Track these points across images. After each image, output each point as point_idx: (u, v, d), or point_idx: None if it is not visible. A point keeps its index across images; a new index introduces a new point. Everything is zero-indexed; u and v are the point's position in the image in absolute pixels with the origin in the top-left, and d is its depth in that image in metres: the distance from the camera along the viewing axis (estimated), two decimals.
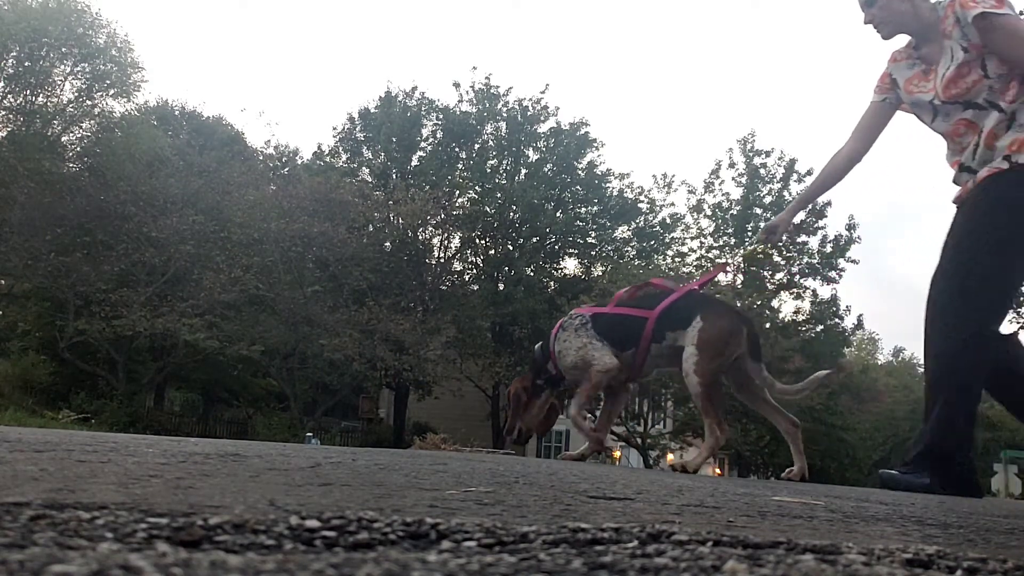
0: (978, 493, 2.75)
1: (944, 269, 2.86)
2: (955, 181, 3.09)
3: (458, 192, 26.47)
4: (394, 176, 26.64)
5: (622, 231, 27.87)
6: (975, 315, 2.77)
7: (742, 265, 28.50)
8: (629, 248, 27.77)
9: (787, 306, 27.70)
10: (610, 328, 3.26)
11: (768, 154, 27.57)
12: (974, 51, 2.83)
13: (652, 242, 27.73)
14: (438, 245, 26.37)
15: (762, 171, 27.55)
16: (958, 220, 2.98)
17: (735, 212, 26.87)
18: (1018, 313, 17.70)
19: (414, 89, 27.74)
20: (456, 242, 26.47)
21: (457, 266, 27.14)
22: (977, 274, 2.77)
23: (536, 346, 3.55)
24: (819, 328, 27.58)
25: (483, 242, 26.70)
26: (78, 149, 23.49)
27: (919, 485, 2.62)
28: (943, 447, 2.74)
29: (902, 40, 3.12)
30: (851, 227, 27.70)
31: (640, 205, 27.59)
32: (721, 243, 27.75)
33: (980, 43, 2.82)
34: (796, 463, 3.12)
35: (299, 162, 27.96)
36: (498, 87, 27.24)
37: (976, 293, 2.76)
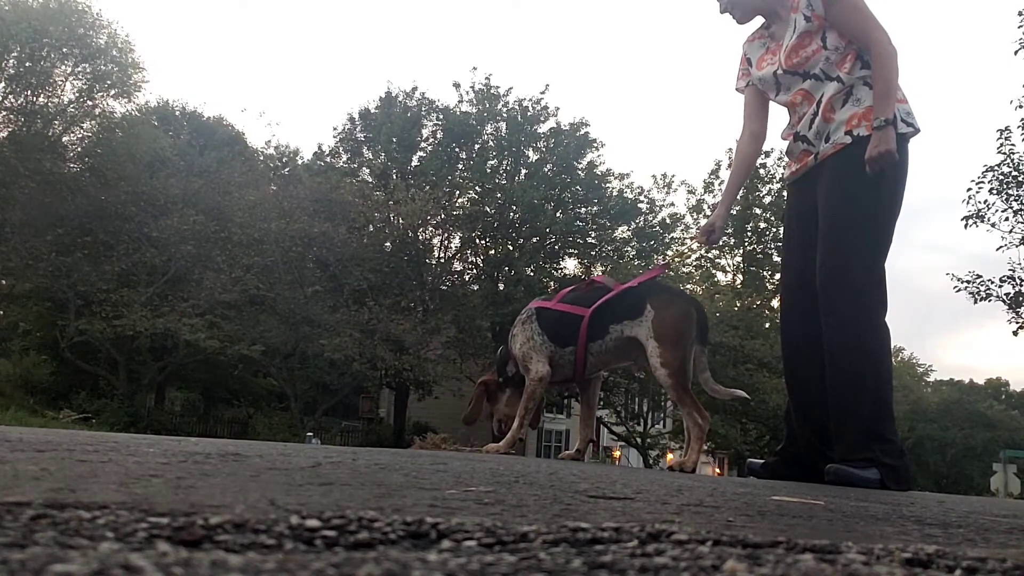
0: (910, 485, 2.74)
1: (831, 250, 2.80)
2: (789, 153, 3.12)
3: (458, 192, 26.46)
4: (394, 176, 26.64)
5: (622, 231, 27.88)
6: (880, 292, 2.78)
7: (741, 265, 28.50)
8: (629, 248, 27.77)
9: None
10: (552, 324, 3.23)
11: (768, 154, 27.59)
12: (816, 21, 2.89)
13: (652, 242, 27.74)
14: (438, 245, 26.39)
15: (761, 171, 27.57)
16: (808, 198, 3.00)
17: (735, 212, 26.87)
18: (1017, 313, 17.67)
19: (414, 89, 27.76)
20: (456, 242, 26.48)
21: (457, 266, 27.15)
22: (869, 247, 2.79)
23: (500, 347, 3.53)
24: None
25: (483, 242, 26.69)
26: (79, 149, 23.49)
27: (872, 481, 2.58)
28: (885, 432, 2.71)
29: (758, 23, 3.21)
30: None
31: (640, 205, 27.60)
32: (721, 243, 27.77)
33: (823, 14, 2.88)
34: (687, 455, 3.06)
35: (299, 162, 27.98)
36: (498, 87, 27.26)
37: (873, 267, 2.78)
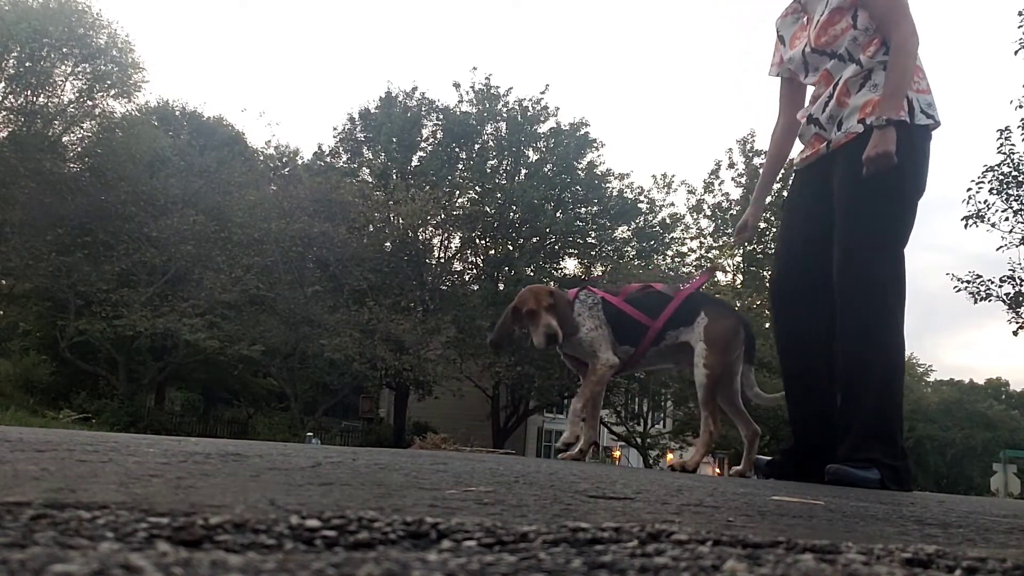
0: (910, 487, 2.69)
1: (850, 245, 2.73)
2: (800, 136, 3.06)
3: (458, 192, 26.45)
4: (394, 176, 26.63)
5: (622, 231, 27.87)
6: (898, 287, 2.71)
7: (741, 265, 28.50)
8: (629, 248, 27.77)
9: None
10: (616, 319, 3.25)
11: (767, 154, 27.60)
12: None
13: (652, 242, 27.74)
14: (438, 245, 26.38)
15: (762, 171, 27.58)
16: (816, 189, 2.93)
17: (735, 212, 26.89)
18: (1017, 313, 17.67)
19: (414, 89, 27.76)
20: (456, 242, 26.47)
21: (457, 266, 27.15)
22: (888, 241, 2.71)
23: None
24: None
25: (483, 242, 26.69)
26: (79, 149, 23.49)
27: (872, 481, 2.54)
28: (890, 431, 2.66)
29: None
30: None
31: (640, 205, 27.60)
32: (721, 243, 27.78)
33: None
34: (743, 464, 3.26)
35: (299, 162, 27.96)
36: (498, 87, 27.24)
37: (893, 261, 2.71)
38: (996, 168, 17.36)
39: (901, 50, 2.69)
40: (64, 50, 21.68)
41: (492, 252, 26.73)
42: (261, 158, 26.64)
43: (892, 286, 2.69)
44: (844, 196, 2.79)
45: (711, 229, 27.97)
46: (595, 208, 27.50)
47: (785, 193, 3.36)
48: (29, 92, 21.74)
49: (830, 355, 2.81)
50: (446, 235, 26.12)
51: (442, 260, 26.45)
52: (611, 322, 3.23)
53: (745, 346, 3.24)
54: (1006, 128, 17.24)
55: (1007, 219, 17.38)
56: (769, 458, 3.14)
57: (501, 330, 3.32)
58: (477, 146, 27.35)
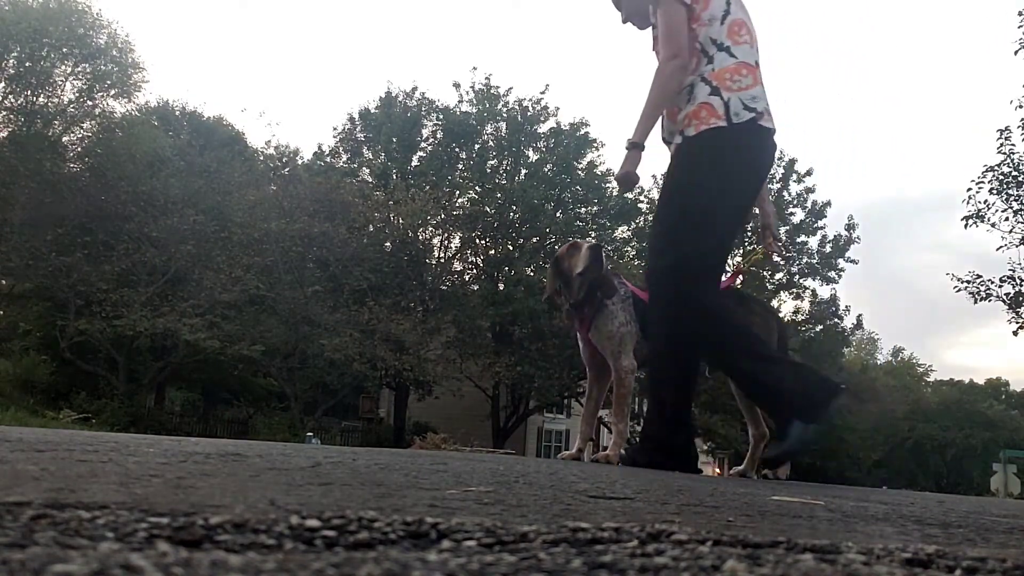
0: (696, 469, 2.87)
1: (648, 244, 3.05)
2: None
3: (458, 192, 26.45)
4: (394, 176, 26.63)
5: (622, 231, 27.87)
6: (673, 278, 2.85)
7: (741, 265, 28.47)
8: (629, 248, 27.76)
9: (787, 306, 27.74)
10: (644, 314, 3.18)
11: None
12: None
13: None
14: (438, 245, 26.37)
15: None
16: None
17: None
18: (1017, 313, 17.67)
19: (414, 89, 27.76)
20: (456, 242, 26.46)
21: (457, 266, 27.15)
22: (667, 234, 2.89)
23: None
24: (818, 328, 27.58)
25: (483, 242, 26.68)
26: (79, 149, 23.48)
27: (643, 460, 2.77)
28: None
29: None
30: (850, 227, 27.72)
31: (640, 205, 27.59)
32: None
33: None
34: (745, 464, 3.24)
35: (299, 162, 27.94)
36: (498, 87, 27.25)
37: (665, 253, 2.89)
38: (996, 168, 17.36)
39: (656, 75, 2.88)
40: (64, 50, 21.68)
41: (492, 252, 26.72)
42: (261, 158, 26.62)
43: (668, 297, 2.82)
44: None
45: None
46: (595, 208, 27.50)
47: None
48: (29, 92, 21.73)
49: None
50: (446, 235, 26.13)
51: (442, 260, 26.45)
52: (640, 317, 3.16)
53: (779, 340, 3.19)
54: (1006, 128, 17.24)
55: (1007, 219, 17.39)
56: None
57: (549, 284, 3.28)
58: (477, 146, 27.35)
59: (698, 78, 2.84)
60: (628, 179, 2.91)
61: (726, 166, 2.79)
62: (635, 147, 2.88)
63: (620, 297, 3.13)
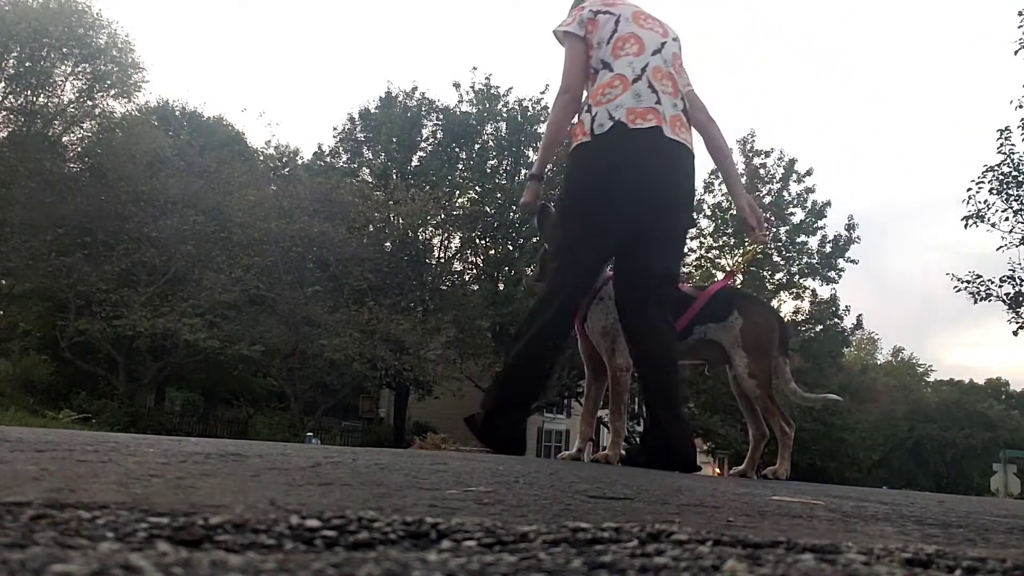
0: (521, 451, 2.95)
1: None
2: None
3: (458, 192, 26.44)
4: (394, 176, 26.62)
5: None
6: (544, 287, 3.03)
7: (741, 265, 28.48)
8: None
9: (786, 306, 27.74)
10: None
11: (768, 154, 27.57)
12: None
13: None
14: (438, 245, 26.36)
15: (762, 171, 27.55)
16: None
17: (735, 212, 26.87)
18: (1017, 313, 17.68)
19: (414, 89, 27.75)
20: (456, 242, 26.45)
21: (457, 266, 27.13)
22: (558, 264, 3.04)
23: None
24: (818, 328, 27.58)
25: (483, 242, 26.68)
26: (79, 149, 23.46)
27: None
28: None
29: None
30: (850, 227, 27.72)
31: None
32: (721, 243, 27.73)
33: None
34: (745, 465, 3.25)
35: (299, 162, 27.95)
36: (498, 87, 27.23)
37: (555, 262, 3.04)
38: (996, 168, 17.35)
39: (552, 107, 3.14)
40: (64, 50, 21.67)
41: (492, 252, 26.72)
42: (261, 158, 26.62)
43: (542, 305, 2.96)
44: None
45: (711, 229, 27.93)
46: None
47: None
48: (29, 92, 21.73)
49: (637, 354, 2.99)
50: (446, 235, 26.12)
51: (442, 260, 26.44)
52: None
53: (780, 338, 3.18)
54: (1006, 128, 17.24)
55: (1007, 219, 17.39)
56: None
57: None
58: (477, 146, 27.34)
59: (584, 102, 3.02)
60: (526, 208, 3.17)
61: (593, 180, 2.91)
62: (533, 178, 3.19)
63: (605, 299, 3.09)
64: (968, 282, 17.93)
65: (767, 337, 3.12)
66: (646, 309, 2.87)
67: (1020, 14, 16.24)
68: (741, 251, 26.93)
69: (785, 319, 3.34)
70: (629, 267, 2.95)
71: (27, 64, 21.29)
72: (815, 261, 27.50)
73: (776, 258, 27.44)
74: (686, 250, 28.94)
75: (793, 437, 3.14)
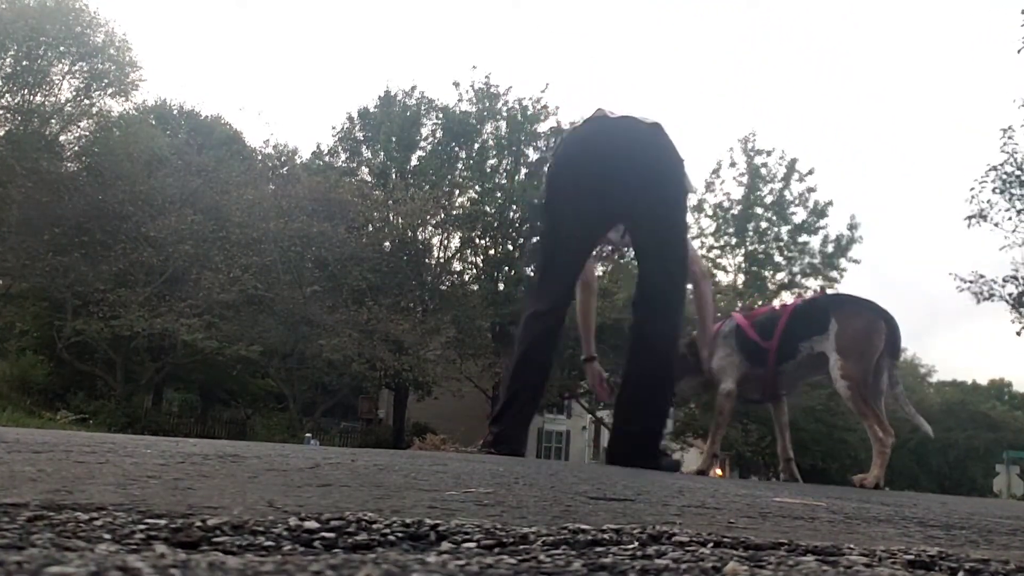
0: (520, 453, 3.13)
1: None
2: None
3: (458, 192, 26.44)
4: (393, 176, 26.61)
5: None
6: (529, 299, 3.33)
7: (742, 265, 28.52)
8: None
9: None
10: (745, 345, 3.38)
11: (769, 154, 27.57)
12: None
13: None
14: (438, 245, 26.37)
15: (763, 171, 27.55)
16: None
17: (736, 212, 26.86)
18: (1020, 313, 17.69)
19: (413, 88, 27.75)
20: (456, 242, 26.46)
21: (457, 266, 27.14)
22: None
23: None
24: None
25: (483, 242, 26.68)
26: (76, 148, 23.44)
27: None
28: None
29: None
30: (852, 227, 27.74)
31: None
32: (722, 243, 27.73)
33: None
34: (871, 471, 3.08)
35: (298, 162, 27.93)
36: (498, 86, 27.23)
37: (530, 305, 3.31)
38: (999, 167, 17.35)
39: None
40: (61, 48, 21.65)
41: (492, 252, 26.72)
42: (259, 157, 26.59)
43: (526, 317, 3.22)
44: None
45: (712, 229, 27.94)
46: None
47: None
48: (26, 91, 21.71)
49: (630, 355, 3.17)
50: (446, 235, 26.12)
51: (442, 260, 26.44)
52: (744, 348, 3.34)
53: (888, 341, 3.15)
54: (1009, 127, 17.24)
55: (1010, 219, 17.39)
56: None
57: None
58: (477, 145, 27.34)
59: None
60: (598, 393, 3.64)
61: (553, 184, 3.25)
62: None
63: (723, 334, 3.41)
64: (971, 282, 17.94)
65: (865, 340, 3.10)
66: (650, 327, 3.07)
67: (1023, 13, 16.23)
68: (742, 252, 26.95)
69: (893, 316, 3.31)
70: (640, 280, 3.21)
71: (24, 63, 21.27)
72: (817, 261, 27.51)
73: (778, 258, 27.45)
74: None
75: (890, 445, 3.05)
